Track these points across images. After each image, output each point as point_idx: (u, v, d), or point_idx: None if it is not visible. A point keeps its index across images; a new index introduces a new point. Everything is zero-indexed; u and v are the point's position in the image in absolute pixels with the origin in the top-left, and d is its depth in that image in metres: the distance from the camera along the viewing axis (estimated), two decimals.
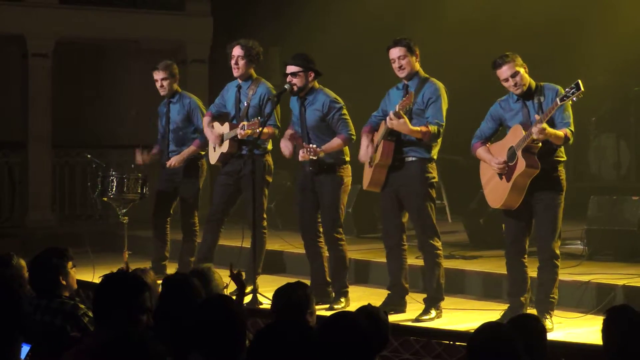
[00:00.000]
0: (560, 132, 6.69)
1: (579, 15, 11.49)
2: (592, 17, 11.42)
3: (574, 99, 6.51)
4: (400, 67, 7.39)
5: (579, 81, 6.46)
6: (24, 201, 12.92)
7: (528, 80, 6.90)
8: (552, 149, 6.83)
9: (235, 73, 8.50)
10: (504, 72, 6.87)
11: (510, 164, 6.85)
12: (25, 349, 4.72)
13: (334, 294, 7.90)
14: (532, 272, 7.15)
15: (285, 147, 8.03)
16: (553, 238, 6.87)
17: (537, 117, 6.67)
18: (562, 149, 6.92)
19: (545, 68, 10.97)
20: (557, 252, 6.91)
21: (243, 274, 8.50)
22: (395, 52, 7.41)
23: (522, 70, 6.87)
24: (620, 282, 7.46)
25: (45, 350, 4.80)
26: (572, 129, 6.76)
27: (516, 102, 6.96)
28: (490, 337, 3.82)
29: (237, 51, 8.43)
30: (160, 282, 5.26)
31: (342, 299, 7.86)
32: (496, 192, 6.99)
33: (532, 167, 6.76)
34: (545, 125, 6.58)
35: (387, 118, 7.24)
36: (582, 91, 6.45)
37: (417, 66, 7.44)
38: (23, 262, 5.82)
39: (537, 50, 11.78)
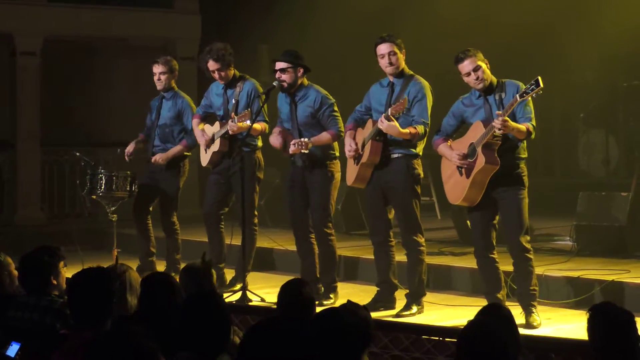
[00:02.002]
0: (522, 126, 6.68)
1: (568, 12, 11.51)
2: (581, 14, 11.44)
3: (534, 95, 6.54)
4: (389, 63, 7.38)
5: (539, 78, 6.48)
6: (13, 199, 12.89)
7: (490, 76, 6.90)
8: (514, 146, 6.83)
9: (222, 83, 8.52)
10: (465, 66, 6.88)
11: (470, 160, 6.86)
12: (14, 348, 4.71)
13: (323, 289, 7.91)
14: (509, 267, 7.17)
15: (275, 139, 8.01)
16: (520, 233, 6.85)
17: (498, 112, 6.65)
18: (524, 146, 6.92)
19: (535, 65, 10.99)
20: (527, 245, 6.89)
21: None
22: (384, 48, 7.40)
23: (483, 66, 6.87)
24: (609, 278, 7.48)
25: (34, 349, 4.79)
26: (534, 123, 6.75)
27: (478, 98, 6.95)
28: (480, 333, 3.82)
29: (213, 65, 8.41)
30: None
31: (332, 295, 7.87)
32: (456, 188, 6.98)
33: (492, 164, 6.74)
34: (507, 118, 6.58)
35: (379, 120, 7.23)
36: (541, 87, 6.47)
37: (403, 63, 7.45)
38: (10, 260, 5.79)
39: (526, 48, 11.80)
